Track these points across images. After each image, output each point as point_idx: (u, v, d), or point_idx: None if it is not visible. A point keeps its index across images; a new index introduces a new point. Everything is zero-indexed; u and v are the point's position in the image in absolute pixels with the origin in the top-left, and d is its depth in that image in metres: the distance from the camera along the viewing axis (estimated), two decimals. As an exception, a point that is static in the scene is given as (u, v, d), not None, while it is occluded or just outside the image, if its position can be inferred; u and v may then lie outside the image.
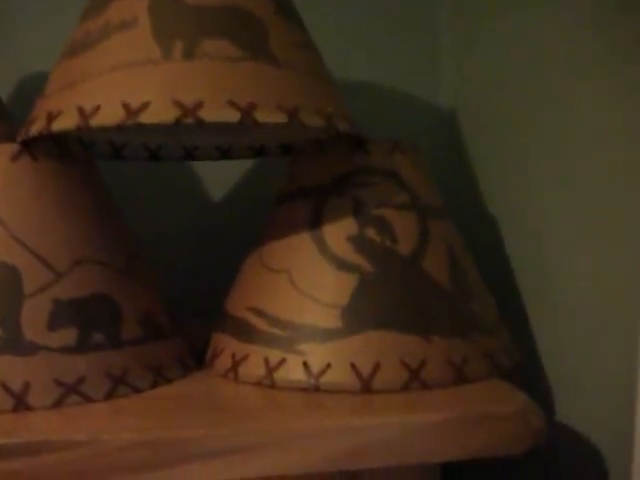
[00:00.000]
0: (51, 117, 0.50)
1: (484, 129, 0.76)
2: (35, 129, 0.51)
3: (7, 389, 0.49)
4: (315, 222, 0.56)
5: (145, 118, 0.48)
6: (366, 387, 0.52)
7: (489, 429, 0.49)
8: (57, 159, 0.55)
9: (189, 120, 0.47)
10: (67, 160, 0.56)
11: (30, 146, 0.55)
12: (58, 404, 0.50)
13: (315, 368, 0.53)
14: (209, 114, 0.48)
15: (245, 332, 0.56)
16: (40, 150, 0.55)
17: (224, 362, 0.57)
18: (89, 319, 0.52)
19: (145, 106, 0.48)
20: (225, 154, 0.69)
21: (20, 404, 0.49)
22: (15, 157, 0.54)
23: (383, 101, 0.86)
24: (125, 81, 0.49)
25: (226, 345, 0.57)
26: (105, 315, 0.53)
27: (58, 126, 0.50)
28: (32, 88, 0.80)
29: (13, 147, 0.54)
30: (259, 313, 0.56)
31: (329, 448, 0.46)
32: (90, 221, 0.55)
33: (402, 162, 0.58)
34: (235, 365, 0.56)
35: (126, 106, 0.48)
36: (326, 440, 0.47)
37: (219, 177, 0.85)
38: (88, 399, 0.51)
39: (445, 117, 0.86)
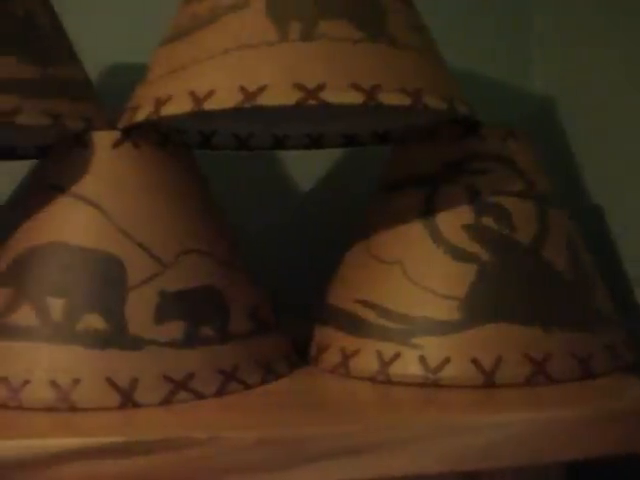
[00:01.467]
0: (159, 103, 0.48)
1: (579, 116, 0.73)
2: (142, 115, 0.49)
3: (114, 385, 0.47)
4: (428, 211, 0.54)
5: (264, 100, 0.46)
6: (489, 381, 0.49)
7: (622, 426, 0.46)
8: (158, 147, 0.53)
9: (311, 102, 0.45)
10: (168, 148, 0.53)
11: (131, 133, 0.53)
12: (167, 401, 0.47)
13: (433, 362, 0.50)
14: (332, 96, 0.46)
15: (355, 325, 0.54)
16: (141, 137, 0.53)
17: (332, 357, 0.54)
18: (197, 312, 0.50)
19: (263, 89, 0.46)
20: (316, 142, 0.66)
21: (128, 401, 0.47)
22: (116, 144, 0.52)
23: (472, 88, 0.83)
24: (240, 64, 0.47)
25: (333, 339, 0.55)
26: (213, 308, 0.51)
27: (168, 111, 0.48)
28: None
29: (114, 134, 0.52)
30: (370, 306, 0.53)
31: (456, 446, 0.44)
32: (193, 211, 0.53)
33: (517, 149, 0.55)
34: (345, 360, 0.53)
35: (242, 89, 0.46)
36: (452, 437, 0.44)
37: (307, 167, 0.82)
38: (198, 396, 0.49)
39: (536, 104, 0.83)
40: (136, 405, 0.47)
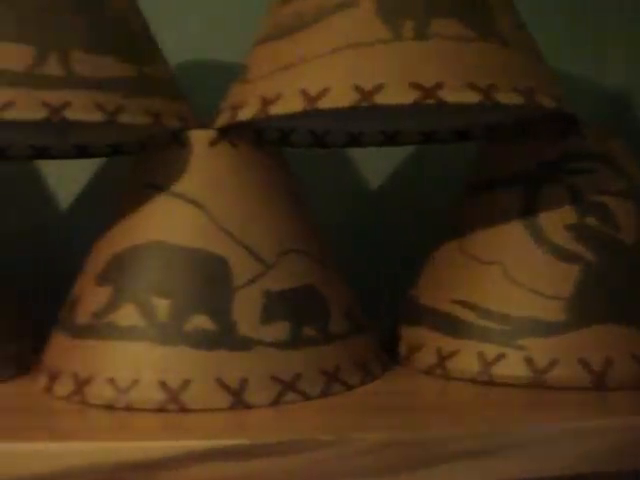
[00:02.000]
0: (267, 102, 0.48)
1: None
2: (247, 114, 0.48)
3: (224, 386, 0.46)
4: (527, 211, 0.53)
5: (381, 99, 0.46)
6: (598, 383, 0.49)
7: None
8: (255, 146, 0.52)
9: (428, 101, 0.44)
10: (262, 147, 0.53)
11: (228, 132, 0.53)
12: (276, 402, 0.47)
13: (540, 363, 0.50)
14: (449, 95, 0.46)
15: (453, 326, 0.53)
16: (238, 136, 0.53)
17: (427, 357, 0.54)
18: (300, 312, 0.49)
19: (379, 88, 0.46)
20: (390, 140, 0.65)
21: (238, 402, 0.46)
22: (213, 143, 0.52)
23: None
24: (353, 62, 0.47)
25: (427, 339, 0.54)
26: (314, 308, 0.50)
27: (278, 110, 0.47)
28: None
29: (211, 133, 0.52)
30: (469, 306, 0.53)
31: (578, 449, 0.44)
32: (288, 210, 0.53)
33: (616, 147, 0.55)
34: (442, 360, 0.53)
35: (358, 88, 0.46)
36: (574, 440, 0.43)
37: (377, 166, 0.81)
38: (305, 397, 0.48)
39: (613, 98, 0.83)
40: (247, 406, 0.47)
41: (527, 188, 0.54)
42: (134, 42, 0.52)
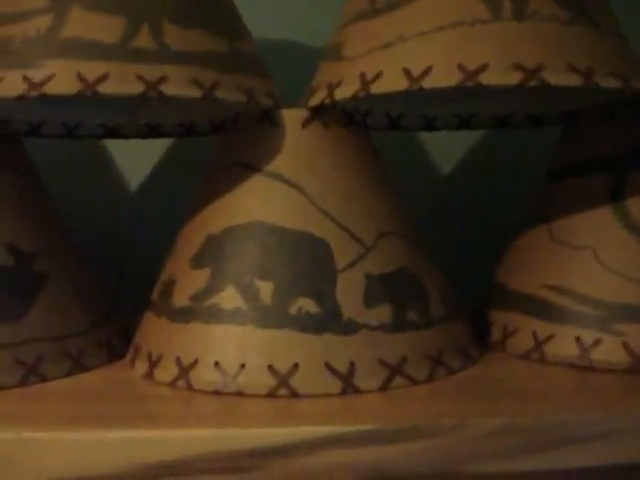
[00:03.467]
0: (367, 80, 0.47)
1: None
2: (346, 92, 0.47)
3: (333, 370, 0.45)
4: (616, 196, 0.53)
5: (485, 80, 0.46)
6: None
7: None
8: (346, 127, 0.51)
9: (531, 83, 0.45)
10: (352, 128, 0.52)
11: (319, 112, 0.52)
12: (385, 386, 0.46)
13: (638, 349, 0.49)
14: (552, 77, 0.45)
15: (548, 311, 0.53)
16: (329, 116, 0.52)
17: (523, 342, 0.54)
18: (400, 296, 0.49)
19: (483, 68, 0.46)
20: (465, 124, 0.65)
21: (348, 386, 0.45)
22: (306, 123, 0.50)
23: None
24: (456, 41, 0.46)
25: (520, 324, 0.54)
26: (413, 291, 0.50)
27: (381, 89, 0.47)
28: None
29: (304, 112, 0.51)
30: (562, 291, 0.53)
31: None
32: (382, 192, 0.52)
33: None
34: (539, 345, 0.52)
35: (461, 67, 0.45)
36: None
37: (447, 150, 0.80)
38: (412, 381, 0.47)
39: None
40: (357, 391, 0.46)
41: (615, 173, 0.54)
42: (223, 16, 0.51)
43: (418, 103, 0.59)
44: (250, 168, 0.50)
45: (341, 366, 0.46)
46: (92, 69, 0.45)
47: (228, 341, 0.47)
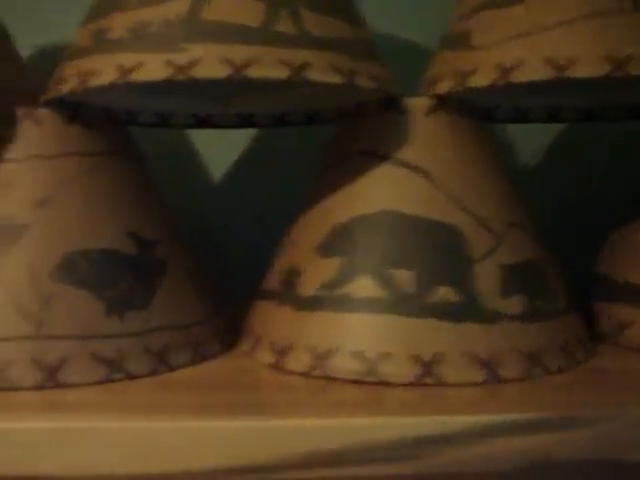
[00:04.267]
0: (505, 69, 0.47)
1: None
2: (480, 81, 0.47)
3: (477, 360, 0.46)
4: None
5: (634, 70, 0.46)
6: None
7: None
8: (467, 116, 0.51)
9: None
10: (474, 118, 0.53)
11: (443, 101, 0.51)
12: (525, 376, 0.46)
13: None
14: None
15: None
16: (453, 106, 0.52)
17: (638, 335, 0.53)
18: (530, 287, 0.49)
19: (629, 58, 0.46)
20: (553, 117, 0.65)
21: (493, 376, 0.46)
22: (430, 112, 0.50)
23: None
24: (599, 31, 0.46)
25: (635, 317, 0.54)
26: (540, 283, 0.50)
27: (521, 77, 0.48)
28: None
29: (428, 101, 0.51)
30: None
31: None
32: (504, 183, 0.52)
33: None
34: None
35: (609, 58, 0.45)
36: None
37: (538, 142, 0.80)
38: (547, 371, 0.48)
39: None
40: (500, 380, 0.46)
41: None
42: (346, 3, 0.50)
43: (511, 95, 0.59)
44: (376, 156, 0.50)
45: (484, 355, 0.46)
46: (238, 53, 0.44)
47: (366, 330, 0.46)
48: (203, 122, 0.64)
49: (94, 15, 0.48)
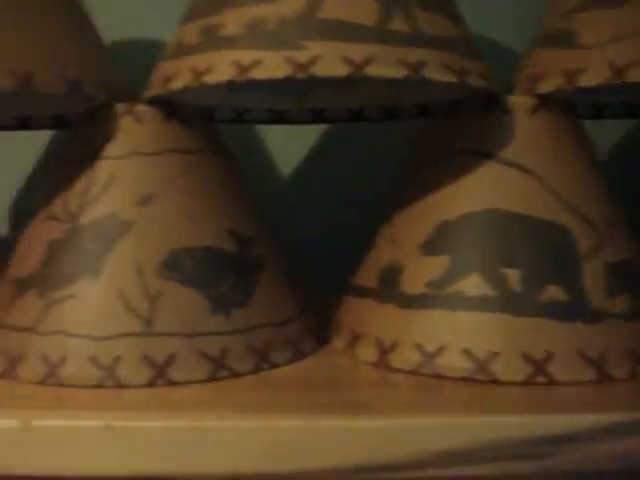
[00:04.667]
0: (617, 68, 0.47)
1: None
2: (592, 80, 0.48)
3: (587, 359, 0.46)
4: None
5: None
6: None
7: None
8: (565, 114, 0.51)
9: None
10: (571, 116, 0.53)
11: (546, 100, 0.51)
12: (632, 375, 0.46)
13: None
14: None
15: None
16: (554, 104, 0.52)
17: None
18: (633, 284, 0.49)
19: None
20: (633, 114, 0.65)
21: (603, 375, 0.46)
22: (534, 111, 0.50)
23: None
24: None
25: None
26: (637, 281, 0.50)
27: (636, 77, 0.45)
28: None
29: (531, 100, 0.51)
30: None
31: None
32: (602, 183, 0.52)
33: None
34: None
35: None
36: None
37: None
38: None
39: None
40: (610, 379, 0.46)
41: None
42: (449, 2, 0.50)
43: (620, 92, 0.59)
44: (481, 154, 0.50)
45: (593, 354, 0.46)
46: (356, 51, 0.44)
47: (476, 328, 0.47)
48: (278, 118, 0.64)
49: (201, 12, 0.47)
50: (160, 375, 0.45)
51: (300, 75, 0.43)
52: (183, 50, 0.48)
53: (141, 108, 0.50)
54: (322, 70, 0.43)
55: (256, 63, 0.44)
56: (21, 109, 0.62)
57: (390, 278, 0.51)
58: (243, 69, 0.44)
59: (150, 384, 0.45)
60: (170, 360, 0.45)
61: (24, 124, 0.64)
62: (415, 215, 0.51)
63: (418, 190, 0.52)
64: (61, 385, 0.46)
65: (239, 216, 0.51)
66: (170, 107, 0.50)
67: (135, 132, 0.50)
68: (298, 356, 0.51)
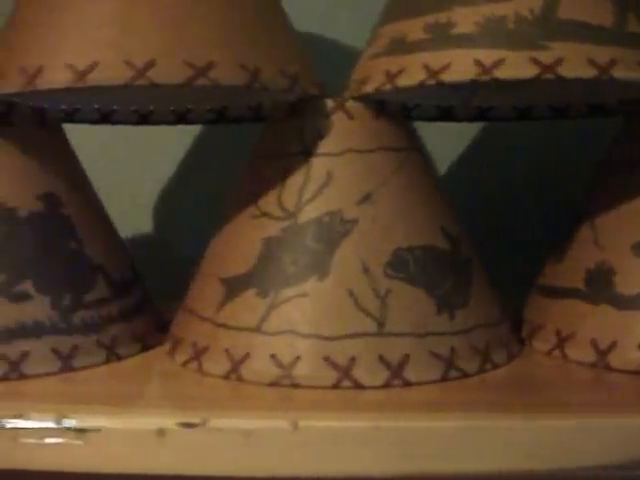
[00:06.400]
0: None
1: None
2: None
3: None
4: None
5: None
6: None
7: None
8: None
9: None
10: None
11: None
12: None
13: None
14: None
15: None
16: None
17: None
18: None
19: None
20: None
21: None
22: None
23: None
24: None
25: None
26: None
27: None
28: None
29: None
30: None
31: None
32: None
33: None
34: None
35: None
36: None
37: None
38: None
39: None
40: None
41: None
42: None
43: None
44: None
45: None
46: (601, 53, 0.44)
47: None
48: (446, 115, 0.64)
49: (424, 8, 0.48)
50: (396, 376, 0.45)
51: (546, 76, 0.43)
52: (406, 46, 0.47)
53: (352, 104, 0.50)
54: (567, 72, 0.44)
55: (499, 63, 0.44)
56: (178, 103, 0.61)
57: (601, 279, 0.50)
58: (485, 69, 0.44)
59: (387, 385, 0.45)
60: (405, 361, 0.45)
61: (182, 119, 0.63)
62: (622, 217, 0.51)
63: (619, 192, 0.52)
64: (296, 385, 0.45)
65: (446, 214, 0.51)
66: (379, 104, 0.49)
67: (347, 129, 0.50)
68: (510, 357, 0.50)
